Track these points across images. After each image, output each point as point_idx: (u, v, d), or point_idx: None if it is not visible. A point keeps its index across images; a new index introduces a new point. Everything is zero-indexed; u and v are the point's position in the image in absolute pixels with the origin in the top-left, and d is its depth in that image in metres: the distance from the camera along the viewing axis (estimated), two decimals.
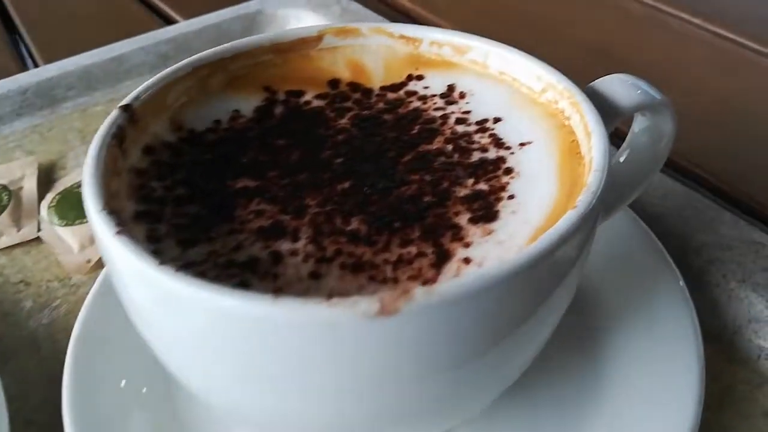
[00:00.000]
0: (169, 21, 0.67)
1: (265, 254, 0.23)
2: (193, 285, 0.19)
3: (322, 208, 0.25)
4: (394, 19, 0.62)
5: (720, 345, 0.35)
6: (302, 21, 0.61)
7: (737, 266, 0.37)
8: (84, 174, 0.23)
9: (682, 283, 0.34)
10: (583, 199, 0.23)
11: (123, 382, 0.30)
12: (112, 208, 0.22)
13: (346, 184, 0.26)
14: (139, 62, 0.54)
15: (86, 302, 0.32)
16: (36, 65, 0.60)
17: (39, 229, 0.41)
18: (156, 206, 0.25)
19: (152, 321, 0.21)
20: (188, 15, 0.62)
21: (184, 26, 0.59)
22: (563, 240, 0.21)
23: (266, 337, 0.19)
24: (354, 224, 0.25)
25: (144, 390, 0.30)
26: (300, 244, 0.24)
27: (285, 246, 0.24)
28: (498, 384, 0.25)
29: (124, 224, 0.21)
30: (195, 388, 0.23)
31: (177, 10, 0.69)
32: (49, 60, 0.55)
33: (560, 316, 0.26)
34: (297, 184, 0.26)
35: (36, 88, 0.51)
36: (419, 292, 0.19)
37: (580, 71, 0.30)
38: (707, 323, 0.35)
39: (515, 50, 0.30)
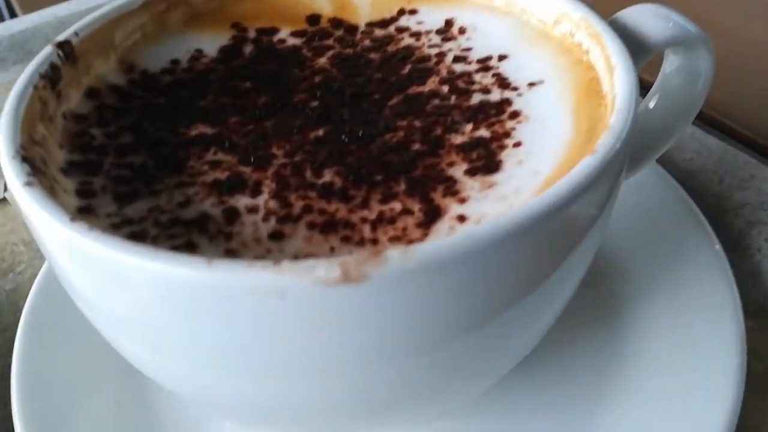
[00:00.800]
0: None
1: (218, 211, 0.20)
2: (108, 246, 0.15)
3: (291, 159, 0.21)
4: None
5: (763, 318, 0.31)
6: None
7: None
8: (2, 116, 0.19)
9: (718, 247, 0.29)
10: (605, 142, 0.18)
11: (79, 359, 0.26)
12: (30, 155, 0.18)
13: (320, 132, 0.22)
14: None
15: (42, 269, 0.29)
16: (14, 15, 0.56)
17: (5, 190, 0.38)
18: (94, 156, 0.21)
19: (74, 286, 0.18)
20: None
21: None
22: (579, 192, 0.17)
23: (200, 308, 0.15)
24: (327, 177, 0.21)
25: (103, 365, 0.26)
26: (261, 200, 0.20)
27: (243, 202, 0.20)
28: (496, 366, 0.21)
29: (41, 174, 0.18)
30: (135, 363, 0.20)
31: None
32: (30, 9, 0.51)
33: (574, 287, 0.22)
34: (262, 132, 0.22)
35: (9, 41, 0.47)
36: (393, 254, 0.15)
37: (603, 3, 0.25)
38: (747, 293, 0.31)
39: None
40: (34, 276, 0.32)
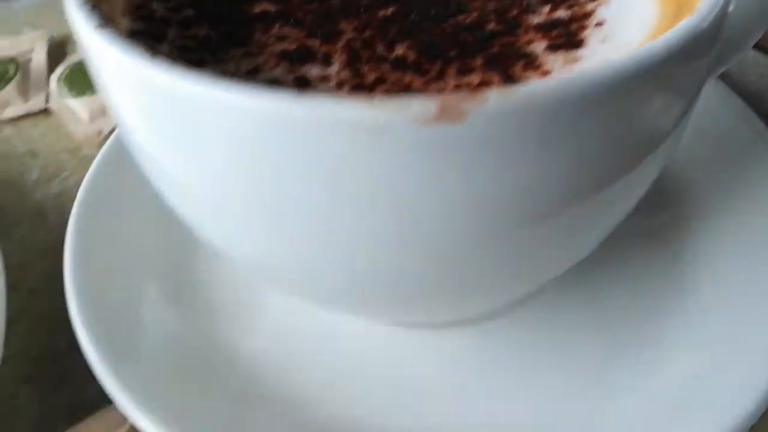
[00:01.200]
0: None
1: (288, 78, 0.19)
2: (192, 81, 0.14)
3: (360, 35, 0.20)
4: None
5: None
6: None
7: None
8: None
9: None
10: (704, 7, 0.17)
11: (131, 249, 0.26)
12: (97, 5, 0.18)
13: (389, 11, 0.21)
14: None
15: (92, 167, 0.29)
16: None
17: (47, 101, 0.38)
18: (157, 26, 0.20)
19: (146, 140, 0.17)
20: None
21: None
22: (685, 46, 0.16)
23: (286, 147, 0.14)
24: (399, 51, 0.20)
25: (155, 255, 0.26)
26: (333, 70, 0.19)
27: (314, 71, 0.19)
28: (575, 248, 0.21)
29: (111, 24, 0.17)
30: (207, 233, 0.19)
31: None
32: None
33: (650, 181, 0.21)
34: (328, 9, 0.21)
35: None
36: (493, 94, 0.14)
37: None
38: None
39: None
40: (79, 183, 0.32)
